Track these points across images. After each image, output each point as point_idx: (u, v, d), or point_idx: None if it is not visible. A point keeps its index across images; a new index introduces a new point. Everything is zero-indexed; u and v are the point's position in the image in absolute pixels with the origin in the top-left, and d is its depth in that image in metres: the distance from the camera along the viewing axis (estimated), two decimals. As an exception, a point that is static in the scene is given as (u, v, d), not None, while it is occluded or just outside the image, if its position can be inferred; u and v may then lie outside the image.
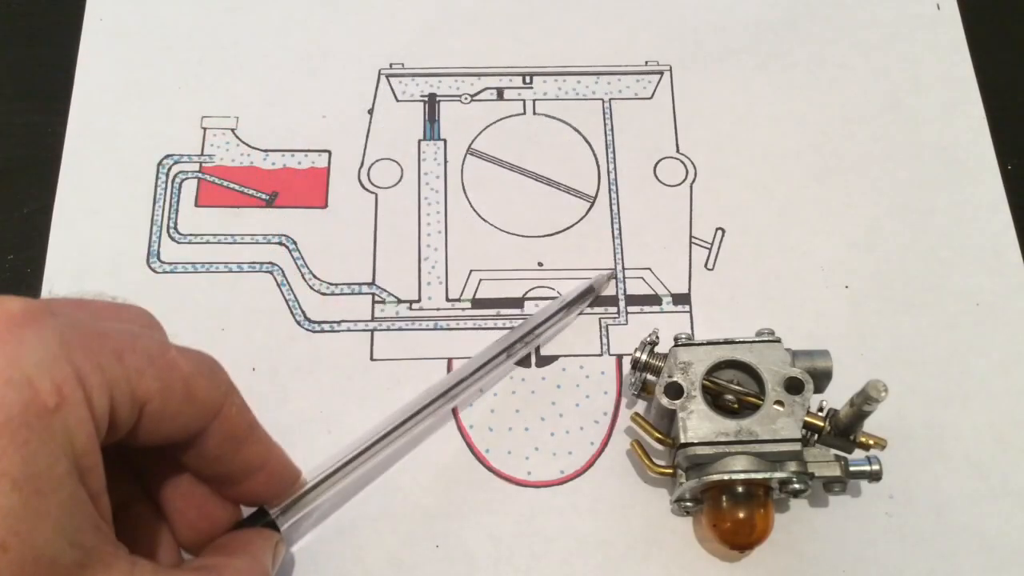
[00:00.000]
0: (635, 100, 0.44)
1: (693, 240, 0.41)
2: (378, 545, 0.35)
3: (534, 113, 0.44)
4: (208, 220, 0.41)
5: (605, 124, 0.44)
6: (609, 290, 0.40)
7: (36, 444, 0.21)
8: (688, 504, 0.35)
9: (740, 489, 0.33)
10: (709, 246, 0.41)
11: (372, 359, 0.38)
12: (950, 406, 0.38)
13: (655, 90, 0.44)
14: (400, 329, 0.39)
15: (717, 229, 0.41)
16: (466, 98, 0.44)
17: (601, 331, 0.39)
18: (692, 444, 0.33)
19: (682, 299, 0.40)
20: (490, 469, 0.37)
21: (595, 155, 0.43)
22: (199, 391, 0.26)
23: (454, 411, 0.37)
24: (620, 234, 0.41)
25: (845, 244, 0.41)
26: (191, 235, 0.41)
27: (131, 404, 0.24)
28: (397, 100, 0.44)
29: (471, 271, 0.40)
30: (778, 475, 0.33)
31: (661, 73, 0.45)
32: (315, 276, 0.40)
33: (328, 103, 0.44)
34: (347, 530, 0.35)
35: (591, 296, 0.39)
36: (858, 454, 0.34)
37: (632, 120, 0.44)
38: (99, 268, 0.40)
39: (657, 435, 0.35)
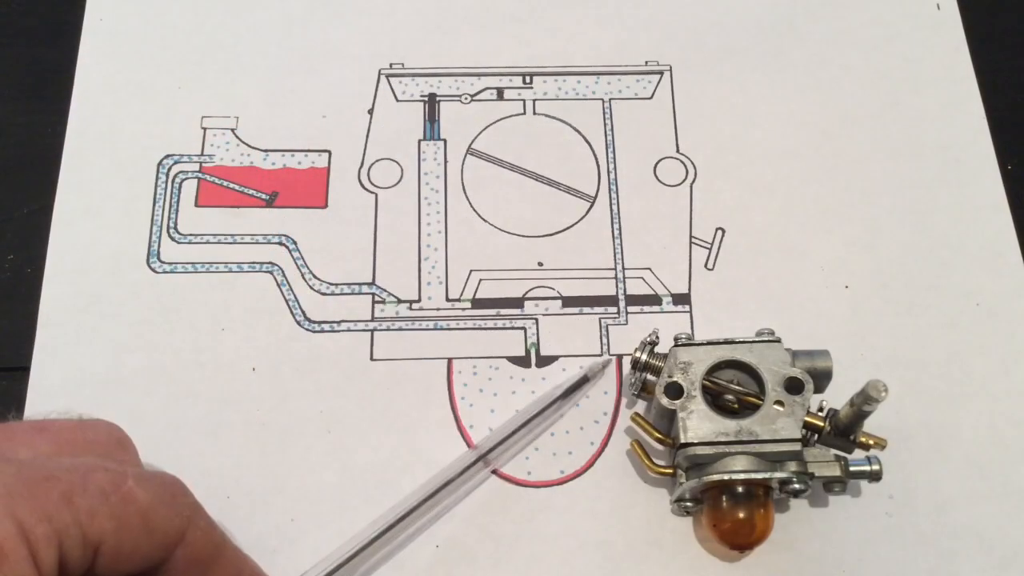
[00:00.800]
0: (635, 100, 0.44)
1: (693, 240, 0.41)
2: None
3: (534, 113, 0.44)
4: (208, 220, 0.41)
5: (605, 124, 0.44)
6: (609, 290, 0.40)
7: None
8: (688, 504, 0.34)
9: (740, 489, 0.33)
10: (709, 246, 0.41)
11: (372, 359, 0.38)
12: (950, 406, 0.38)
13: (655, 90, 0.44)
14: (400, 329, 0.39)
15: (717, 229, 0.41)
16: (466, 98, 0.44)
17: (601, 331, 0.39)
18: (692, 444, 0.33)
19: (682, 299, 0.40)
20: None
21: (595, 155, 0.43)
22: (159, 521, 0.25)
23: (454, 410, 0.37)
24: (620, 234, 0.41)
25: (845, 244, 0.41)
26: (191, 235, 0.41)
27: (83, 548, 0.23)
28: (397, 100, 0.44)
29: (471, 271, 0.40)
30: (778, 475, 0.33)
31: (661, 73, 0.45)
32: (315, 276, 0.40)
33: (328, 103, 0.44)
34: (346, 530, 0.35)
35: (585, 386, 0.37)
36: (858, 454, 0.34)
37: (632, 120, 0.44)
38: (99, 268, 0.40)
39: (657, 435, 0.35)
